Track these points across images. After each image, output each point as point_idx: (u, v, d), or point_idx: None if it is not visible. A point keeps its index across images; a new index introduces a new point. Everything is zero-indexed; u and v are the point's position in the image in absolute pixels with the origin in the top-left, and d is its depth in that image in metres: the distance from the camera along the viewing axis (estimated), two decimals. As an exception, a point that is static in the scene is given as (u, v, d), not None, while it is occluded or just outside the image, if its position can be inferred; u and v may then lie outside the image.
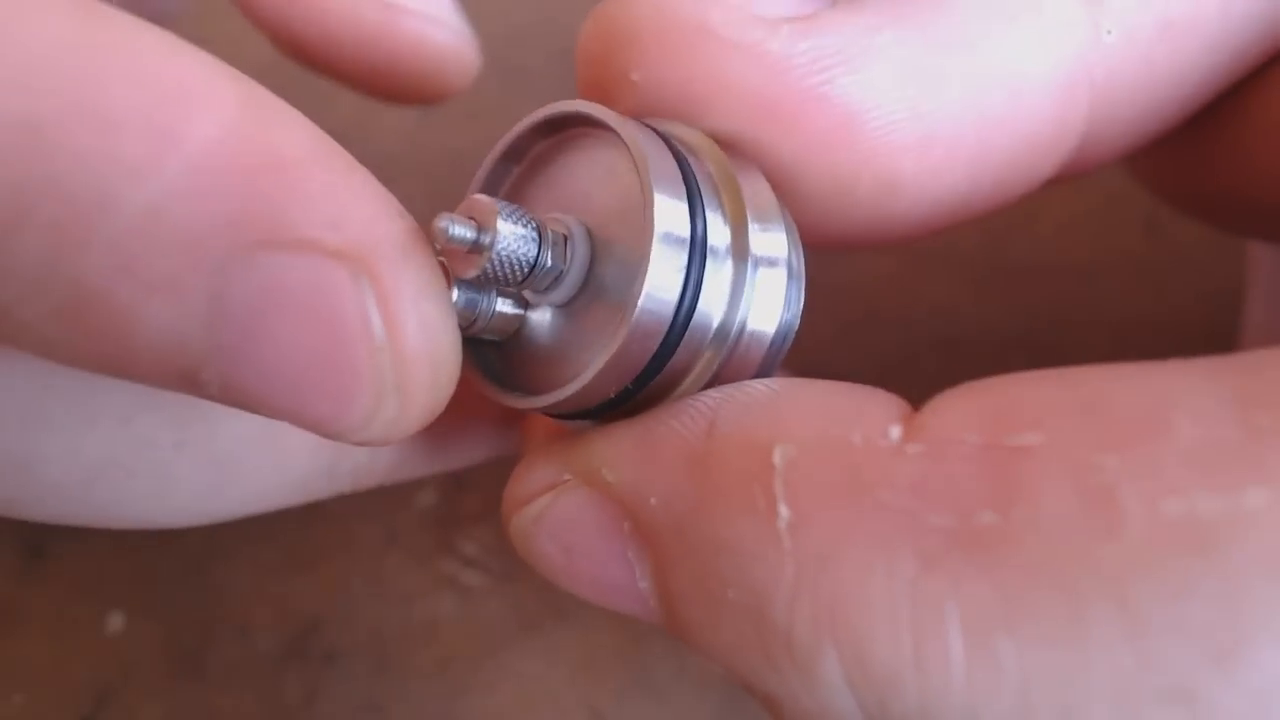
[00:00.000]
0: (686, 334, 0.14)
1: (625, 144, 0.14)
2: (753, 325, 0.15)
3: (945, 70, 0.16)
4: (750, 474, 0.13)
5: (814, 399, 0.13)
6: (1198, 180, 0.21)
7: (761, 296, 0.15)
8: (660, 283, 0.14)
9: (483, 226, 0.14)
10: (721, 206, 0.15)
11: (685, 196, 0.14)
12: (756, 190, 0.15)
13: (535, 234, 0.14)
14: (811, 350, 0.26)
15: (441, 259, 0.14)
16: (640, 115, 0.16)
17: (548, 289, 0.15)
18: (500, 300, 0.15)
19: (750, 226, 0.15)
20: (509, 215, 0.14)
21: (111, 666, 0.27)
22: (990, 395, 0.13)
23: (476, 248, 0.14)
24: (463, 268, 0.14)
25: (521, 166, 0.16)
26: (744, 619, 0.13)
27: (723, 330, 0.15)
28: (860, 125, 0.15)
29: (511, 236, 0.14)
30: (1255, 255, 0.24)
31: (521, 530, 0.15)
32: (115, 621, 0.27)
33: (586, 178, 0.15)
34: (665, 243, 0.14)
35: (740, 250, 0.14)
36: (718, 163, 0.15)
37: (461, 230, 0.14)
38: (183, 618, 0.27)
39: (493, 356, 0.16)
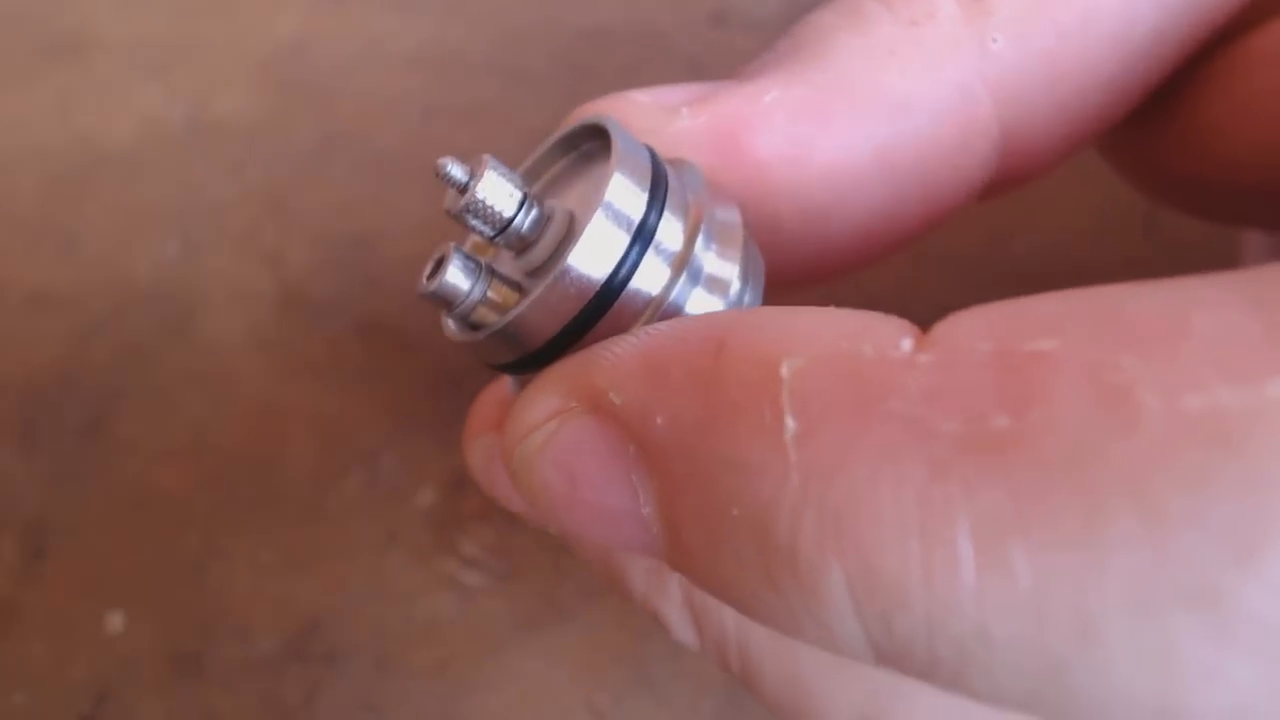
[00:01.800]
0: (615, 306, 0.15)
1: (613, 143, 0.16)
2: None
3: (832, 110, 0.18)
4: (758, 387, 0.13)
5: (824, 318, 0.13)
6: (1171, 169, 0.21)
7: (698, 307, 0.16)
8: (594, 250, 0.15)
9: (474, 172, 0.15)
10: (685, 218, 0.16)
11: (647, 190, 0.15)
12: (727, 221, 0.16)
13: (520, 197, 0.16)
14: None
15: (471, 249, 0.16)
16: None
17: (522, 252, 0.16)
18: (491, 292, 0.16)
19: (704, 243, 0.16)
20: (499, 172, 0.16)
21: (111, 666, 0.27)
22: (1003, 309, 0.12)
23: (463, 188, 0.15)
24: (450, 201, 0.16)
25: (568, 159, 0.18)
26: (747, 538, 0.12)
27: (649, 319, 0.15)
28: (766, 171, 0.18)
29: (493, 187, 0.15)
30: (1247, 236, 0.24)
31: (524, 460, 0.15)
32: (115, 621, 0.27)
33: (591, 181, 0.17)
34: (610, 218, 0.15)
35: (685, 257, 0.15)
36: (698, 187, 0.16)
37: (455, 170, 0.15)
38: (183, 618, 0.27)
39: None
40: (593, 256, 0.15)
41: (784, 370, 0.12)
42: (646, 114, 0.18)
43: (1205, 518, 0.10)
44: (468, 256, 0.16)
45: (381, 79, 0.39)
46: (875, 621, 0.12)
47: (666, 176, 0.16)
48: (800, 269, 0.19)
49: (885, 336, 0.12)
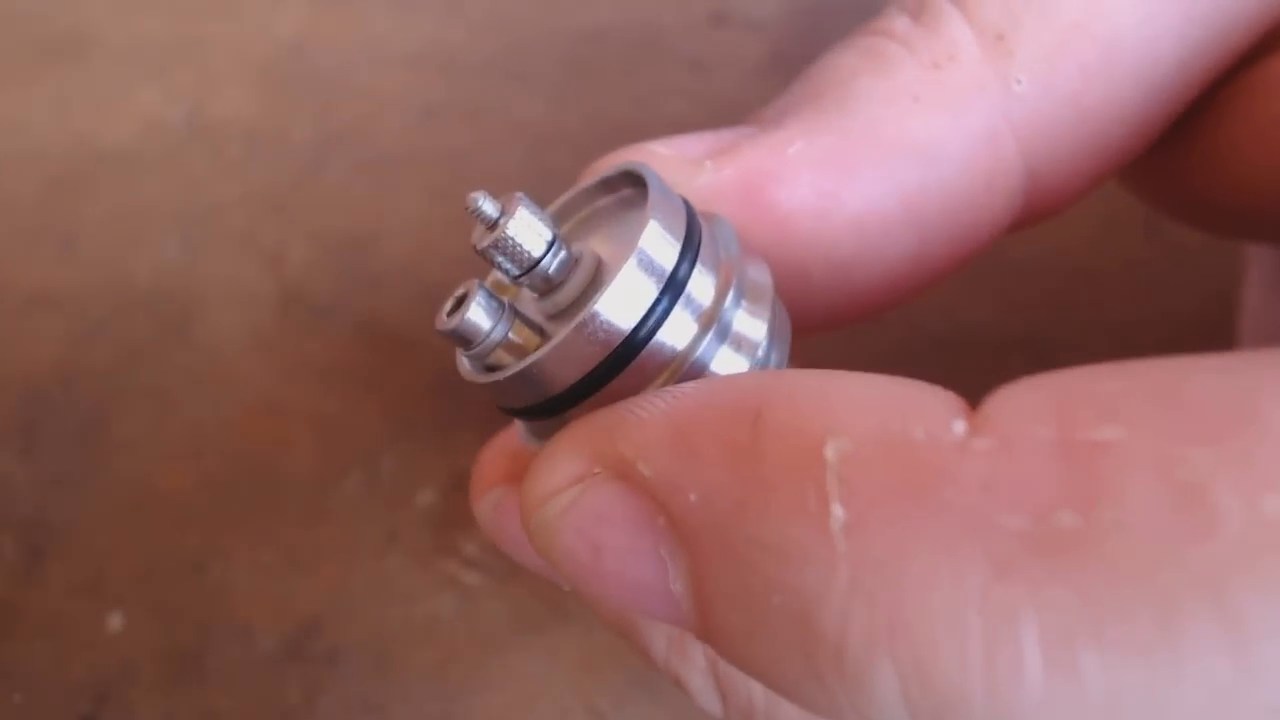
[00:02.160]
0: (639, 358, 0.15)
1: (649, 192, 0.15)
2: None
3: (859, 160, 0.17)
4: (801, 469, 0.12)
5: (867, 390, 0.13)
6: (1185, 190, 0.21)
7: (724, 365, 0.15)
8: (621, 298, 0.14)
9: (505, 209, 0.15)
10: (717, 273, 0.15)
11: (681, 241, 0.15)
12: (758, 280, 0.16)
13: (549, 237, 0.15)
14: (813, 349, 0.26)
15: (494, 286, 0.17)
16: None
17: (546, 294, 0.16)
18: (512, 335, 0.16)
19: (734, 299, 0.15)
20: (531, 210, 0.15)
21: (111, 666, 0.27)
22: (1058, 388, 0.12)
23: (493, 224, 0.15)
24: (478, 237, 0.15)
25: (600, 203, 0.18)
26: (789, 628, 0.12)
27: (670, 375, 0.15)
28: (793, 224, 0.17)
29: (524, 226, 0.15)
30: (1251, 246, 0.24)
31: (545, 526, 0.14)
32: (115, 621, 0.27)
33: (625, 228, 0.17)
34: (642, 266, 0.14)
35: (714, 313, 0.15)
36: (731, 243, 0.16)
37: (487, 205, 0.15)
38: (183, 618, 0.27)
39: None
40: (622, 305, 0.14)
41: (829, 452, 0.12)
42: (669, 167, 0.18)
43: None
44: (491, 295, 0.15)
45: (381, 79, 0.39)
46: None
47: (701, 230, 0.16)
48: (826, 316, 0.19)
49: (935, 416, 0.12)
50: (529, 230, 0.15)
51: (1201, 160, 0.20)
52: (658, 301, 0.15)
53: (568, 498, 0.14)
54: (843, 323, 0.19)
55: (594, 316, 0.14)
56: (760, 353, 0.16)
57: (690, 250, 0.15)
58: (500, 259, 0.15)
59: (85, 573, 0.28)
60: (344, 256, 0.34)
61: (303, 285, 0.33)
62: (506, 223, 0.15)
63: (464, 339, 0.15)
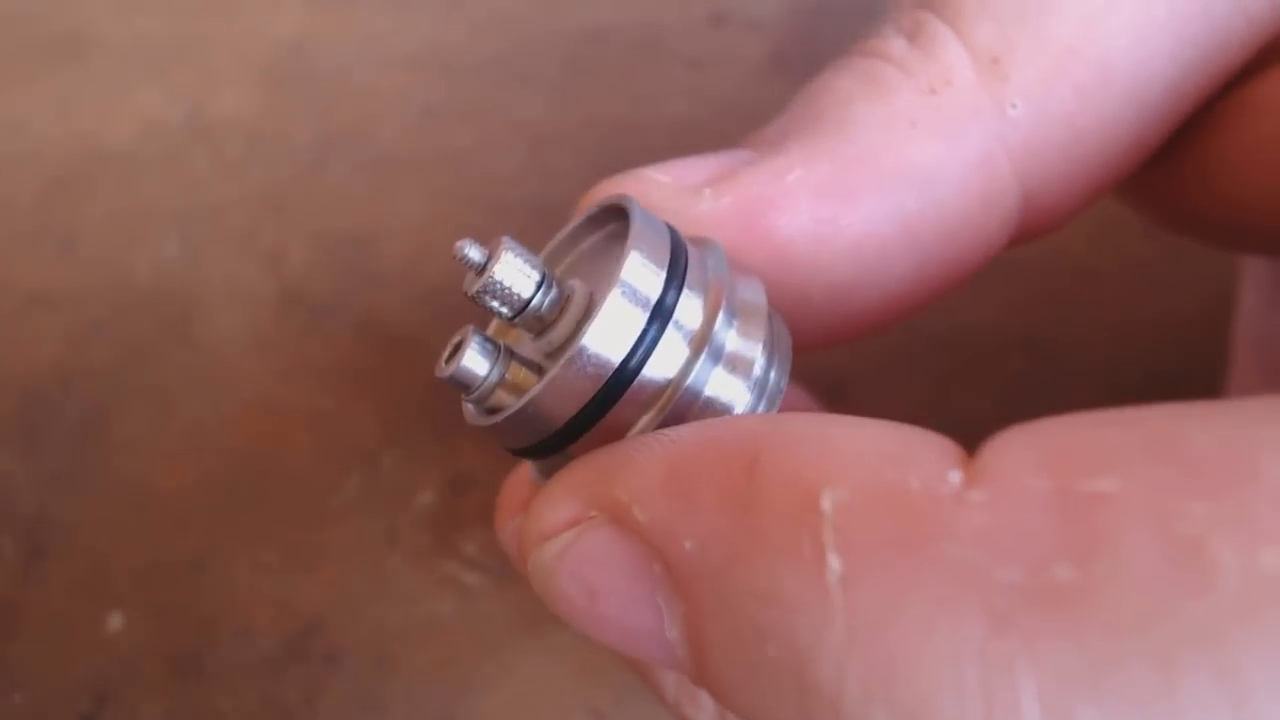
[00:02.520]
0: (633, 386, 0.15)
1: (631, 222, 0.16)
2: (700, 411, 0.15)
3: (857, 187, 0.17)
4: (797, 520, 0.12)
5: (864, 438, 0.13)
6: (1177, 204, 0.21)
7: (717, 389, 0.15)
8: (610, 331, 0.14)
9: (491, 254, 0.15)
10: (706, 295, 0.15)
11: (665, 269, 0.15)
12: (750, 299, 0.16)
13: (537, 278, 0.16)
14: (815, 354, 0.26)
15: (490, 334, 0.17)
16: None
17: (541, 333, 0.16)
18: (509, 376, 0.16)
19: (725, 321, 0.15)
20: (516, 253, 0.16)
21: (111, 666, 0.27)
22: (1053, 436, 0.12)
23: (480, 269, 0.15)
24: (469, 283, 0.16)
25: (593, 239, 0.18)
26: (784, 678, 0.12)
27: (665, 403, 0.15)
28: (792, 250, 0.18)
29: (510, 269, 0.15)
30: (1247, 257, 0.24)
31: (541, 568, 0.14)
32: (115, 621, 0.27)
33: (613, 259, 0.17)
34: (625, 298, 0.15)
35: (704, 336, 0.15)
36: (719, 264, 0.16)
37: (472, 251, 0.15)
38: (183, 618, 0.27)
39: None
40: (608, 337, 0.14)
41: (826, 502, 0.12)
42: (668, 196, 0.18)
43: None
44: (486, 339, 0.16)
45: (381, 79, 0.39)
46: None
47: (686, 255, 0.16)
48: (826, 336, 0.19)
49: (932, 467, 0.12)
50: (516, 272, 0.15)
51: (1193, 176, 0.20)
52: (646, 330, 0.15)
53: (564, 541, 0.14)
54: (841, 341, 0.20)
55: (582, 351, 0.14)
56: (757, 370, 0.16)
57: (676, 277, 0.15)
58: (492, 302, 0.15)
59: (85, 573, 0.28)
60: (344, 256, 0.34)
61: (303, 285, 0.33)
62: (493, 267, 0.15)
63: (463, 384, 0.15)
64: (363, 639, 0.26)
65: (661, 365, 0.15)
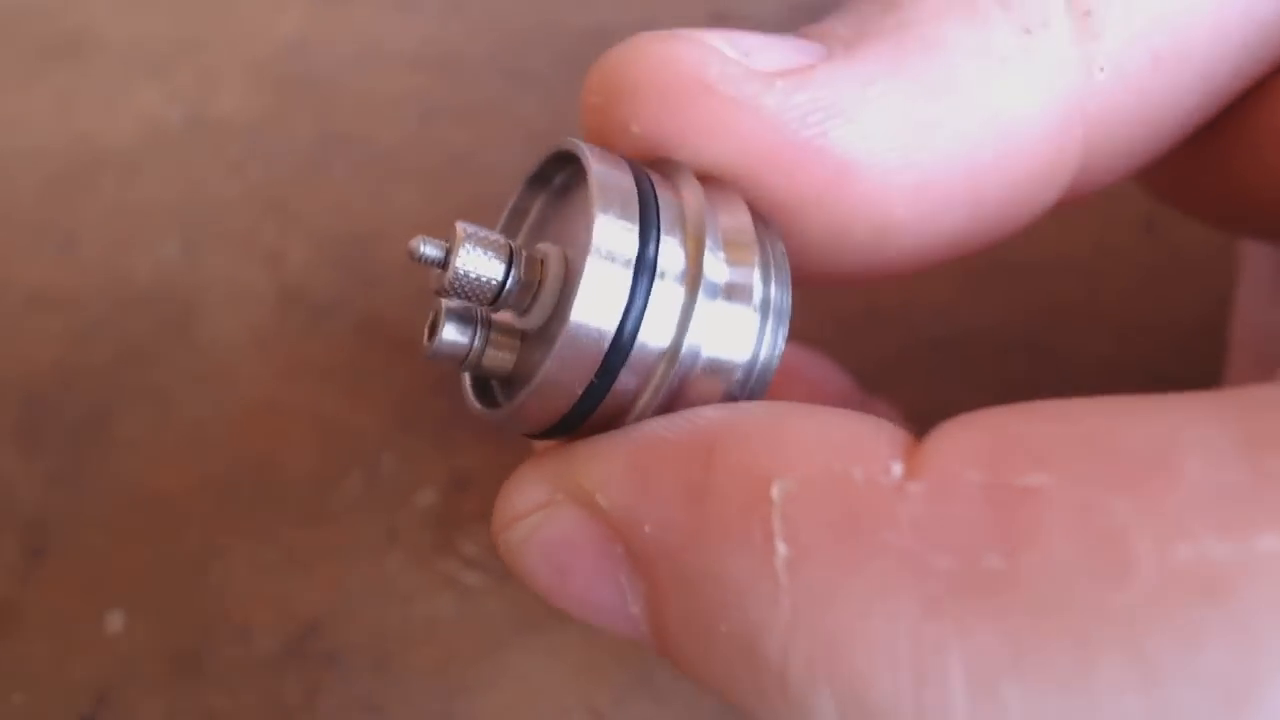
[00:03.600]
0: (632, 354, 0.14)
1: (589, 175, 0.15)
2: (712, 354, 0.15)
3: (938, 118, 0.16)
4: (748, 508, 0.13)
5: (815, 429, 0.13)
6: (1199, 184, 0.21)
7: (722, 326, 0.15)
8: (596, 300, 0.14)
9: (450, 248, 0.15)
10: (684, 234, 0.15)
11: (637, 220, 0.14)
12: (733, 223, 0.15)
13: (503, 257, 0.15)
14: (818, 349, 0.26)
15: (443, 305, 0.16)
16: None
17: (526, 310, 0.15)
18: (494, 338, 0.15)
19: (712, 255, 0.15)
20: (476, 240, 0.15)
21: (111, 666, 0.27)
22: (992, 430, 0.12)
23: (442, 264, 0.15)
24: (435, 281, 0.15)
25: (546, 194, 0.17)
26: (737, 653, 0.13)
27: (672, 355, 0.14)
28: (854, 175, 0.16)
29: (473, 257, 0.15)
30: (1246, 248, 0.24)
31: (512, 547, 0.15)
32: (115, 621, 0.27)
33: (579, 210, 0.16)
34: (605, 262, 0.14)
35: (695, 277, 0.15)
36: (693, 194, 0.15)
37: (429, 249, 0.15)
38: (183, 618, 0.27)
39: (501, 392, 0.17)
40: (598, 306, 0.14)
41: (775, 492, 0.12)
42: (734, 77, 0.16)
43: (1196, 670, 0.10)
44: (458, 312, 0.15)
45: (381, 79, 0.39)
46: None
47: (655, 198, 0.15)
48: (854, 273, 0.18)
49: (876, 457, 0.12)
50: (480, 259, 0.15)
51: (1218, 158, 0.19)
52: (634, 290, 0.14)
53: (533, 522, 0.15)
54: (866, 281, 0.19)
55: (575, 327, 0.14)
56: (757, 296, 0.15)
57: (651, 226, 0.14)
58: (464, 294, 0.15)
59: (85, 573, 0.28)
60: (344, 256, 0.34)
61: (303, 285, 0.33)
62: (454, 260, 0.15)
63: (450, 358, 0.15)
64: (362, 639, 0.26)
65: (660, 315, 0.14)
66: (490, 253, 0.15)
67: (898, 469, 0.12)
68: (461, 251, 0.15)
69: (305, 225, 0.35)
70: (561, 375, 0.14)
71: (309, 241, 0.34)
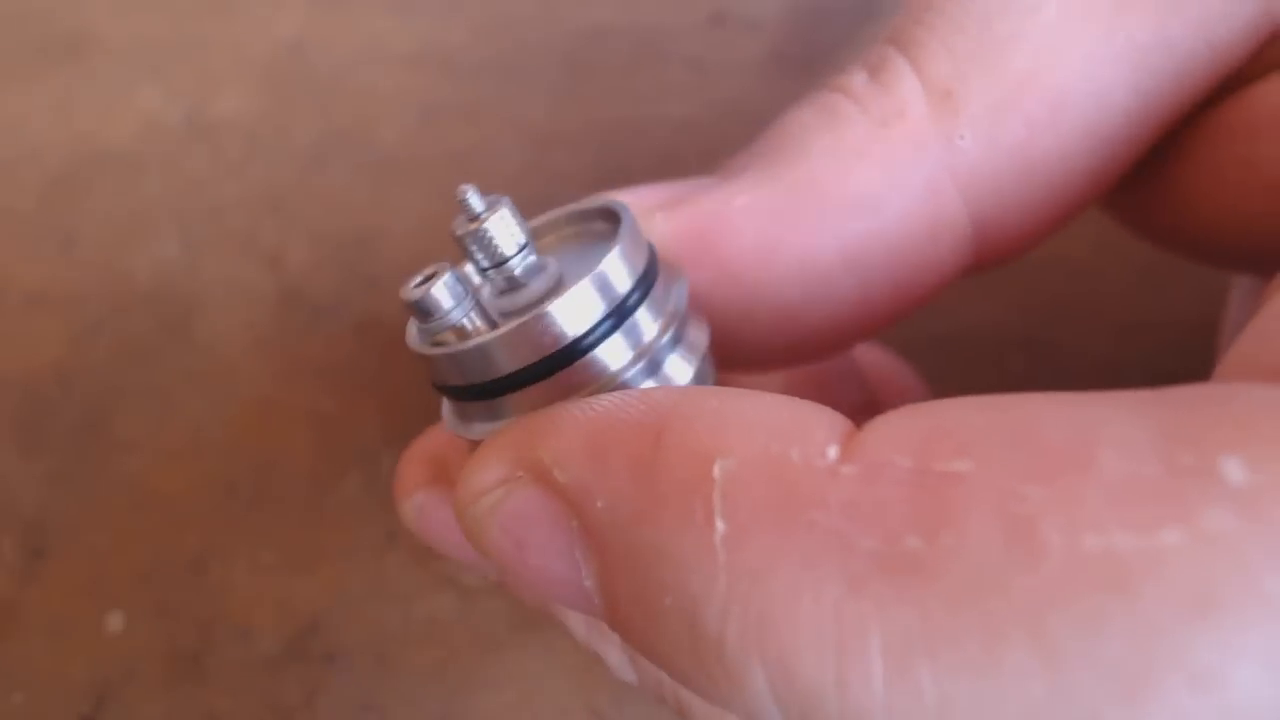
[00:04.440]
0: (573, 366, 0.16)
1: (620, 226, 0.17)
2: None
3: (800, 211, 0.18)
4: (691, 485, 0.13)
5: (759, 412, 0.14)
6: (1156, 225, 0.21)
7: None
8: (576, 306, 0.16)
9: (489, 206, 0.17)
10: (661, 316, 0.17)
11: (638, 278, 0.16)
12: (694, 340, 0.18)
13: (522, 241, 0.17)
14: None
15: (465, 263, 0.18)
16: None
17: (506, 293, 0.17)
18: (471, 316, 0.17)
19: (669, 340, 0.17)
20: (512, 214, 0.17)
21: (111, 666, 0.27)
22: (925, 418, 0.13)
23: (475, 217, 0.17)
24: (459, 225, 0.17)
25: (573, 230, 0.19)
26: (679, 626, 0.13)
27: (603, 388, 0.16)
28: (737, 270, 0.19)
29: (502, 225, 0.17)
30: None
31: (475, 521, 0.16)
32: (115, 621, 0.27)
33: (591, 253, 0.18)
34: (597, 285, 0.16)
35: (649, 347, 0.16)
36: (681, 294, 0.18)
37: (474, 199, 0.17)
38: (183, 618, 0.27)
39: None
40: (572, 313, 0.16)
41: (717, 471, 0.13)
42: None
43: (1097, 657, 0.11)
44: (459, 279, 0.16)
45: (381, 79, 0.39)
46: (795, 716, 0.12)
47: (657, 273, 0.17)
48: (773, 355, 0.20)
49: (813, 441, 0.13)
50: (505, 230, 0.17)
51: (1171, 196, 0.20)
52: (603, 320, 0.16)
53: (494, 497, 0.15)
54: (795, 362, 0.21)
55: (544, 315, 0.15)
56: (683, 381, 0.17)
57: (644, 285, 0.16)
58: (474, 249, 0.17)
59: (85, 573, 0.28)
60: (344, 256, 0.34)
61: (302, 285, 0.33)
62: (487, 218, 0.17)
63: (424, 312, 0.16)
64: (362, 639, 0.26)
65: (606, 356, 0.16)
66: (516, 231, 0.17)
67: (833, 451, 0.13)
68: (497, 215, 0.17)
69: (305, 225, 0.35)
70: (509, 346, 0.16)
71: (308, 241, 0.34)
